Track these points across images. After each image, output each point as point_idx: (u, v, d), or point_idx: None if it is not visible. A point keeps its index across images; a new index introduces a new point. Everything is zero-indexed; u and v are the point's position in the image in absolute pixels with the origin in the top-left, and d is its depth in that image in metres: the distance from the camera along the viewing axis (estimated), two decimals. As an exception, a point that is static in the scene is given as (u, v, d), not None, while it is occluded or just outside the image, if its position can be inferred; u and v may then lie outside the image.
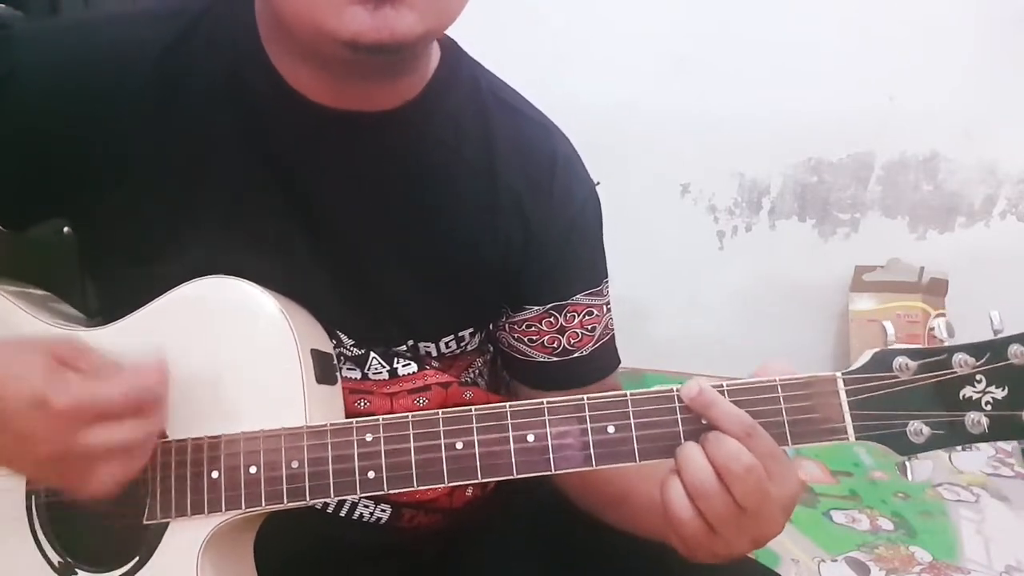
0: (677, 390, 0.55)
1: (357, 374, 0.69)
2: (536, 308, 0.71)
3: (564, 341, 0.72)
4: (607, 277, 0.75)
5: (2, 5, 0.92)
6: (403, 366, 0.70)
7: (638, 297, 2.29)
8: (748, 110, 2.09)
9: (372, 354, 0.69)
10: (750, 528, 0.52)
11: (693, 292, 2.30)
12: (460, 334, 0.71)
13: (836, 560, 1.55)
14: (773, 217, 2.23)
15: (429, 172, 0.67)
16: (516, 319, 0.72)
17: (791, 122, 2.10)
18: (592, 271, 0.74)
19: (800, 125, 2.10)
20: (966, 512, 1.71)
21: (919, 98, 2.02)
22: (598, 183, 0.74)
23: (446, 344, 0.71)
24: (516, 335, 0.73)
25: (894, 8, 1.98)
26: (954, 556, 1.56)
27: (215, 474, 0.57)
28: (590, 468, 0.55)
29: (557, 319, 0.72)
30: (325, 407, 0.61)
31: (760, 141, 2.13)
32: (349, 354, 0.68)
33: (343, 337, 0.67)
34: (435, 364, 0.72)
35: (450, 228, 0.68)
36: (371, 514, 0.71)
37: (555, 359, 0.73)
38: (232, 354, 0.60)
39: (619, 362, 0.77)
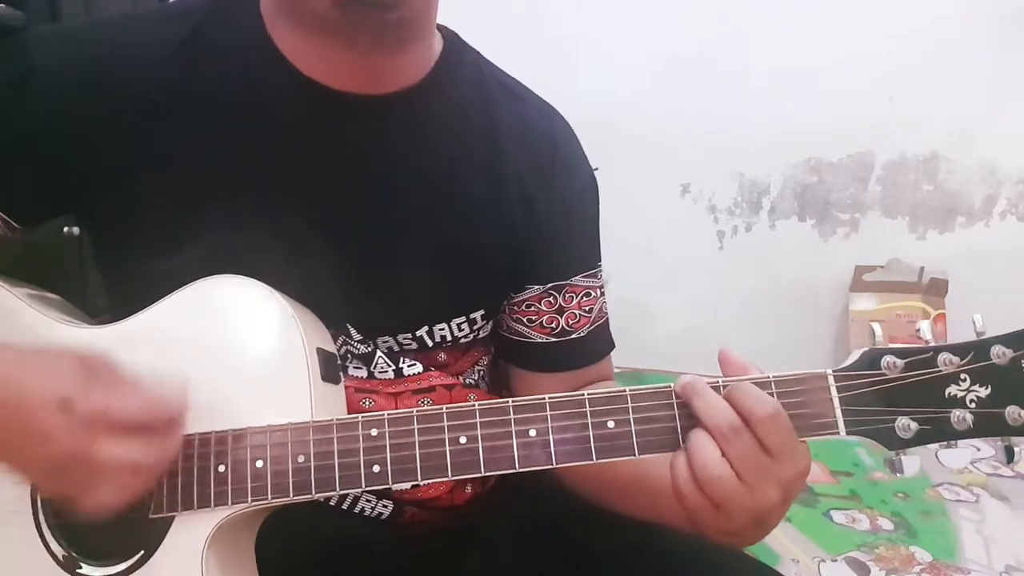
0: (673, 386, 0.56)
1: (363, 372, 0.70)
2: (537, 288, 0.73)
3: (563, 322, 0.74)
4: (601, 261, 0.77)
5: (2, 5, 0.92)
6: (408, 366, 0.71)
7: (638, 297, 2.30)
8: (748, 110, 2.10)
9: (379, 353, 0.70)
10: (749, 507, 0.53)
11: (693, 292, 2.31)
12: (472, 316, 0.72)
13: (836, 560, 1.55)
14: (773, 217, 2.23)
15: (436, 155, 0.68)
16: (517, 299, 0.74)
17: (791, 122, 2.10)
18: (590, 253, 0.77)
19: (800, 125, 2.11)
20: (966, 512, 1.72)
21: (919, 98, 2.03)
22: (596, 169, 0.77)
23: (459, 327, 0.72)
24: (516, 316, 0.75)
25: (894, 8, 1.98)
26: (954, 556, 1.57)
27: (222, 468, 0.57)
28: (590, 462, 0.56)
29: (556, 299, 0.74)
30: (329, 404, 0.61)
31: (760, 141, 2.14)
32: (356, 351, 0.69)
33: (352, 331, 0.68)
34: (443, 357, 0.73)
35: (457, 210, 0.69)
36: (372, 509, 0.71)
37: (553, 340, 0.75)
38: (239, 351, 0.60)
39: (613, 346, 0.80)
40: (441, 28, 0.71)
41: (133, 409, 0.52)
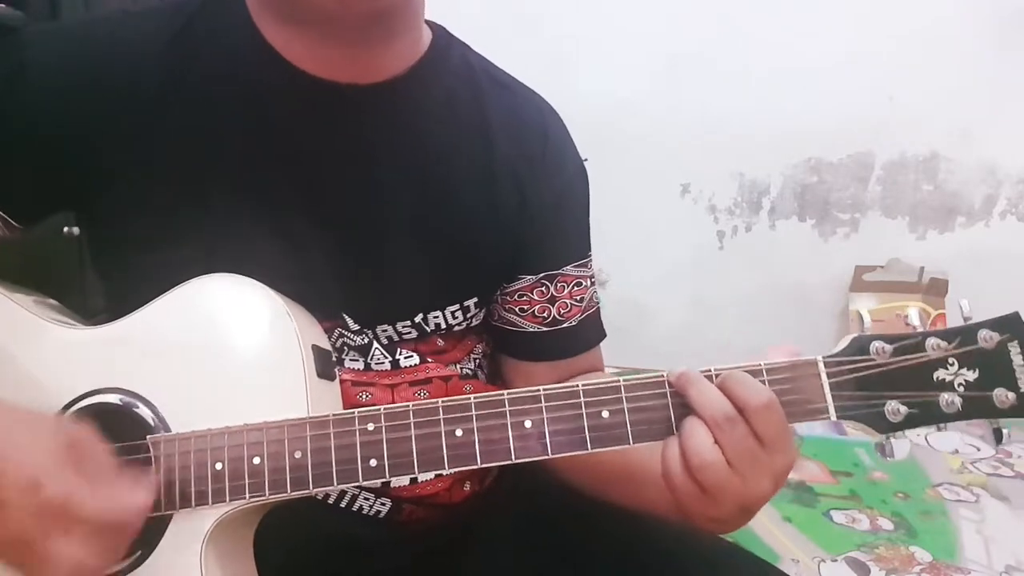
0: (667, 375, 0.56)
1: (360, 364, 0.70)
2: (529, 277, 0.74)
3: (554, 311, 0.75)
4: (591, 251, 0.79)
5: (2, 5, 0.93)
6: (405, 357, 0.71)
7: (638, 297, 2.30)
8: (748, 110, 2.10)
9: (375, 344, 0.70)
10: (739, 495, 0.54)
11: (693, 292, 2.31)
12: (465, 304, 0.72)
13: (836, 560, 1.55)
14: (773, 217, 2.23)
15: (423, 145, 0.69)
16: (509, 289, 0.75)
17: (791, 122, 2.11)
18: (581, 243, 0.78)
19: (800, 125, 2.11)
20: (966, 512, 1.72)
21: (919, 98, 2.03)
22: (586, 159, 0.78)
23: (452, 314, 0.72)
24: (508, 306, 0.76)
25: (894, 8, 1.98)
26: (954, 556, 1.56)
27: (219, 465, 0.57)
28: (585, 452, 0.56)
29: (548, 288, 0.75)
30: (325, 401, 0.62)
31: (760, 141, 2.14)
32: (352, 343, 0.69)
33: (348, 321, 0.68)
34: (441, 344, 0.73)
35: (449, 200, 0.69)
36: (371, 507, 0.71)
37: (545, 329, 0.75)
38: (234, 349, 0.61)
39: (604, 335, 0.80)
40: (429, 23, 0.71)
41: (91, 507, 0.51)
